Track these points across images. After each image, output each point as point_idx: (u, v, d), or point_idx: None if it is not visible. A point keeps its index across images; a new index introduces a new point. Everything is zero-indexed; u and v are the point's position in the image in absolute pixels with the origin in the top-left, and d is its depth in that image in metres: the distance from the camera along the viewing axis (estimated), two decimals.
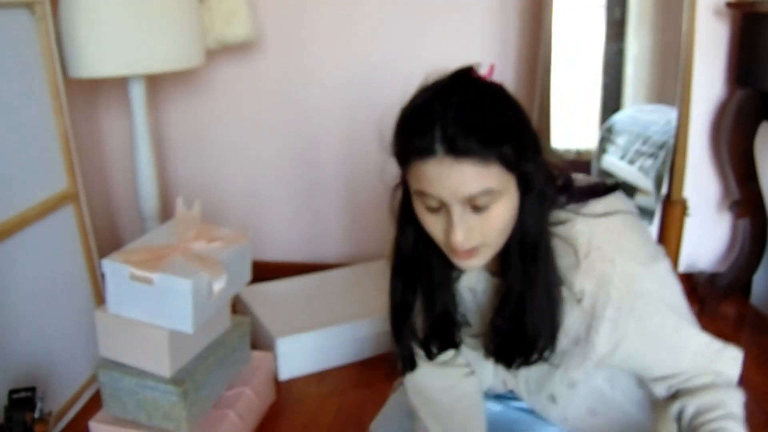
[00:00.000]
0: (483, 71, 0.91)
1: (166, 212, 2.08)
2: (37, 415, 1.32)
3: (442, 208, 0.88)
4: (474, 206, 0.87)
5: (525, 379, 1.10)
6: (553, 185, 0.97)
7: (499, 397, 1.18)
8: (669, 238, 1.76)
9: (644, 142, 1.98)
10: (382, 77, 2.21)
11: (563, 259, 0.96)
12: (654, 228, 1.90)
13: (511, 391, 1.15)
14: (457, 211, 0.87)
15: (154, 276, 1.36)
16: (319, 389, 1.81)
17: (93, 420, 1.50)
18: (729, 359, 0.99)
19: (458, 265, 0.94)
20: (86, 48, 1.68)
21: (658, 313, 0.96)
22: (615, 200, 1.00)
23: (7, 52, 1.53)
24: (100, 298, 1.77)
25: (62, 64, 1.70)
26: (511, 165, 0.86)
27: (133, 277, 1.37)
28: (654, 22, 2.05)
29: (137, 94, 1.88)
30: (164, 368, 1.41)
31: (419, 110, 0.87)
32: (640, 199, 2.02)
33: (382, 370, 1.84)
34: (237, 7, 1.99)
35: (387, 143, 0.92)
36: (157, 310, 1.39)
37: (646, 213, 1.97)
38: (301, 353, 1.84)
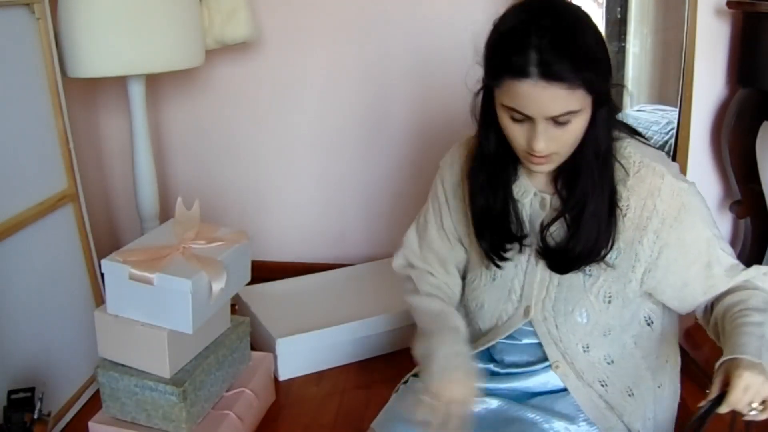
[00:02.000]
0: None
1: (165, 212, 2.08)
2: (36, 415, 1.32)
3: (526, 120, 0.98)
4: (556, 122, 0.97)
5: (553, 302, 1.13)
6: (616, 104, 1.08)
7: (498, 395, 1.17)
8: None
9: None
10: (382, 77, 2.21)
11: (614, 173, 1.06)
12: None
13: (530, 322, 1.16)
14: (542, 126, 0.97)
15: (154, 276, 1.35)
16: (318, 390, 1.81)
17: (92, 420, 1.50)
18: (758, 272, 1.09)
19: (530, 167, 1.05)
20: (85, 48, 1.67)
21: (697, 227, 1.07)
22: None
23: (6, 52, 1.52)
24: (99, 299, 1.77)
25: (61, 63, 1.70)
26: (592, 88, 0.95)
27: (133, 277, 1.37)
28: (654, 22, 2.05)
29: (137, 93, 1.88)
30: (164, 369, 1.41)
31: (515, 31, 0.96)
32: None
33: (382, 371, 1.84)
34: (236, 6, 1.98)
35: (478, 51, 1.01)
36: (156, 310, 1.38)
37: None
38: (301, 354, 1.84)
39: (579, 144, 1.02)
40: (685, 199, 1.05)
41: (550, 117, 0.96)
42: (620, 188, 1.06)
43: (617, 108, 1.07)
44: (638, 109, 2.07)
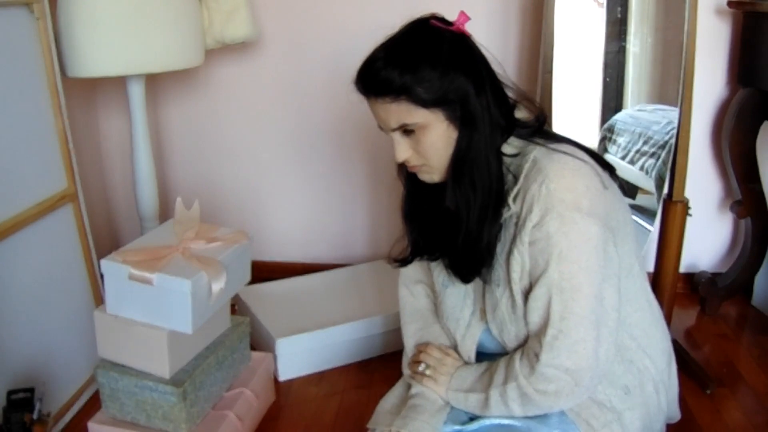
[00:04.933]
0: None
1: (165, 212, 2.08)
2: (35, 415, 1.32)
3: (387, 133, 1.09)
4: (405, 132, 1.06)
5: (490, 309, 1.13)
6: (506, 120, 1.08)
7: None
8: (670, 239, 1.75)
9: (645, 142, 1.97)
10: None
11: (509, 182, 1.06)
12: (655, 228, 1.90)
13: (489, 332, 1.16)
14: (394, 136, 1.08)
15: (153, 276, 1.35)
16: (318, 390, 1.81)
17: (92, 421, 1.49)
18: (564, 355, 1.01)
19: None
20: (85, 47, 1.67)
21: (550, 267, 1.00)
22: (592, 163, 1.05)
23: (5, 52, 1.52)
24: (98, 299, 1.77)
25: (61, 63, 1.70)
26: (427, 104, 1.02)
27: (132, 278, 1.37)
28: (655, 22, 2.05)
29: (136, 93, 1.87)
30: (163, 369, 1.41)
31: (369, 55, 1.09)
32: (642, 199, 2.01)
33: (382, 371, 1.84)
34: (236, 6, 1.98)
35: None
36: (156, 310, 1.38)
37: (647, 213, 1.96)
38: (301, 354, 1.84)
39: (452, 156, 1.06)
40: (558, 228, 0.98)
41: (391, 129, 1.06)
42: (510, 195, 1.05)
43: (491, 124, 1.05)
44: (638, 109, 2.07)
